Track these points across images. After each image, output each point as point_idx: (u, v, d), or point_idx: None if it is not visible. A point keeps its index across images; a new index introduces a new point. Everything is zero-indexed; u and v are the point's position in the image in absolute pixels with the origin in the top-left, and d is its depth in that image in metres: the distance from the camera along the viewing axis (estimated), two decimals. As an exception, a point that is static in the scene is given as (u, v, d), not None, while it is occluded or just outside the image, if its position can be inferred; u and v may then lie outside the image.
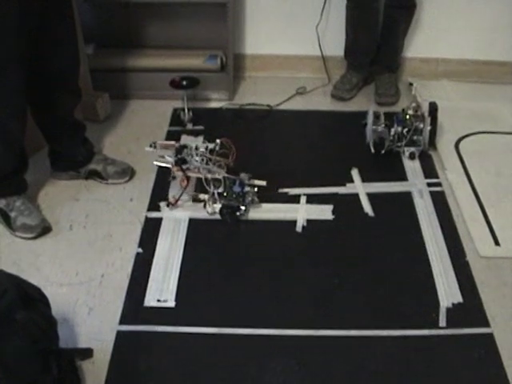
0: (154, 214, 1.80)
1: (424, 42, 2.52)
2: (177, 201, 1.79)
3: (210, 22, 2.44)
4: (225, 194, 1.75)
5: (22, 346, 1.09)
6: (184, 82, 2.19)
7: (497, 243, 1.70)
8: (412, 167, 2.02)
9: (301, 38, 2.52)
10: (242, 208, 1.74)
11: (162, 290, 1.54)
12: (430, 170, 2.01)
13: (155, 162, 1.79)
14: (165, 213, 1.79)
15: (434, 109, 2.00)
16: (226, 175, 1.73)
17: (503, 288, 1.56)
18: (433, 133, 2.02)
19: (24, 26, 1.47)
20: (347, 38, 2.42)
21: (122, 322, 1.45)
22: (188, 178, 1.75)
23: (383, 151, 2.03)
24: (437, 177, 1.98)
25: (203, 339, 1.42)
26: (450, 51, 2.54)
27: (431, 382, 1.33)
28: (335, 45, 2.48)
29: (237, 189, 1.74)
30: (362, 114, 2.08)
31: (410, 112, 2.00)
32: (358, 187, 1.91)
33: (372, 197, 1.87)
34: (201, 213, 1.78)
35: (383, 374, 1.34)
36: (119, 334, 1.43)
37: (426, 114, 1.99)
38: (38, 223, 1.70)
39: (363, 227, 1.76)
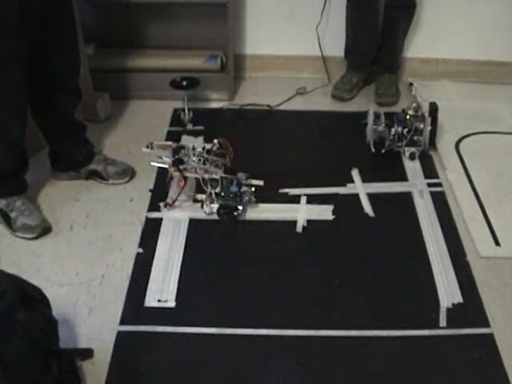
0: (154, 215, 1.79)
1: (424, 42, 2.52)
2: (174, 201, 1.79)
3: (210, 22, 2.44)
4: (222, 194, 1.75)
5: (23, 346, 1.09)
6: (184, 83, 2.19)
7: (497, 243, 1.70)
8: (412, 167, 2.02)
9: (301, 38, 2.52)
10: (240, 208, 1.74)
11: (162, 290, 1.54)
12: (430, 170, 2.01)
13: (152, 163, 1.79)
14: (165, 213, 1.79)
15: (434, 109, 2.00)
16: (223, 175, 1.73)
17: (503, 288, 1.56)
18: (433, 133, 2.02)
19: (24, 25, 1.47)
20: (347, 39, 2.42)
21: (122, 323, 1.45)
22: (185, 179, 1.75)
23: (383, 151, 2.03)
24: (437, 177, 1.98)
25: (203, 339, 1.42)
26: (450, 51, 2.54)
27: (431, 382, 1.33)
28: (335, 45, 2.48)
29: (234, 189, 1.74)
30: (362, 114, 2.09)
31: (411, 112, 2.00)
32: (359, 187, 1.91)
33: (372, 197, 1.86)
34: (201, 213, 1.78)
35: (383, 374, 1.34)
36: (119, 334, 1.43)
37: (427, 114, 1.99)
38: (39, 223, 1.70)
39: (363, 227, 1.76)
